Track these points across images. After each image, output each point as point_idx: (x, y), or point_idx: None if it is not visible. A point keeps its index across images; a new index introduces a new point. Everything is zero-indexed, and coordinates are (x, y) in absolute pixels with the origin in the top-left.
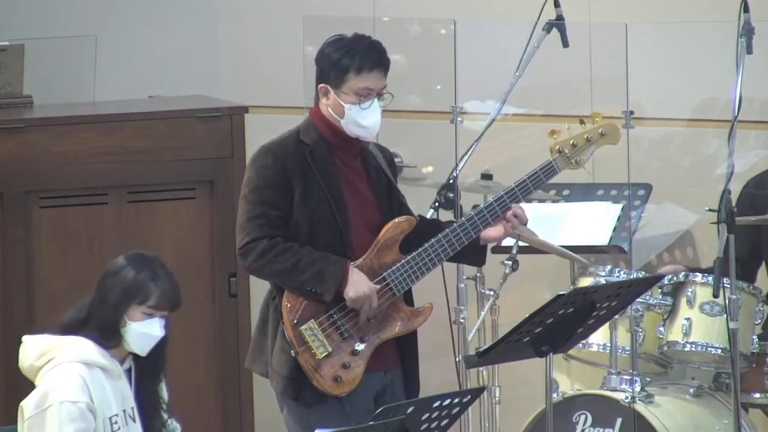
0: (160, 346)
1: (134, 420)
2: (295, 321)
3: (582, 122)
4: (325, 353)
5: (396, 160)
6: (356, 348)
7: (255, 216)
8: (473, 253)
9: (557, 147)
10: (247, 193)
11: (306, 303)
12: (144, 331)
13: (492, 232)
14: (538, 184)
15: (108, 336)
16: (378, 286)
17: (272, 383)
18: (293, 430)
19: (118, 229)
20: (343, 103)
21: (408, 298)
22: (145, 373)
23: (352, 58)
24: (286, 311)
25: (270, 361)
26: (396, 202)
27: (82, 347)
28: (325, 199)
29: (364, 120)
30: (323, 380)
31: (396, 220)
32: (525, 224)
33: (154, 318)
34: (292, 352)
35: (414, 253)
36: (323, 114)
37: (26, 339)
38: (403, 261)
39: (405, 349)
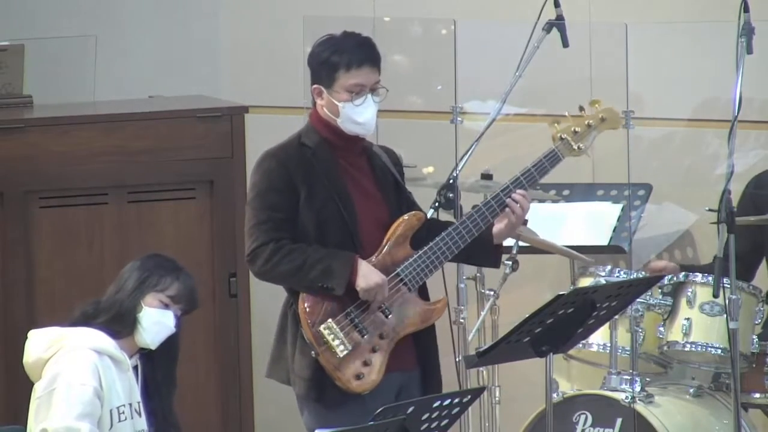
0: (171, 353)
1: (140, 415)
2: (313, 322)
3: (581, 109)
4: (346, 351)
5: (400, 159)
6: (376, 345)
7: (260, 221)
8: (486, 253)
9: (559, 134)
10: (251, 198)
11: (323, 304)
12: (159, 319)
13: (499, 225)
14: (542, 172)
15: (121, 323)
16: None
17: (295, 388)
18: None
19: (118, 229)
20: (336, 102)
21: (423, 293)
22: (157, 378)
23: (340, 56)
24: (304, 313)
25: (291, 367)
26: (405, 200)
27: (93, 336)
28: (331, 198)
29: (359, 117)
30: (345, 378)
31: (405, 216)
32: (526, 210)
33: (170, 310)
34: (313, 352)
35: (426, 248)
36: (320, 115)
37: (33, 333)
38: (415, 256)
39: (422, 348)
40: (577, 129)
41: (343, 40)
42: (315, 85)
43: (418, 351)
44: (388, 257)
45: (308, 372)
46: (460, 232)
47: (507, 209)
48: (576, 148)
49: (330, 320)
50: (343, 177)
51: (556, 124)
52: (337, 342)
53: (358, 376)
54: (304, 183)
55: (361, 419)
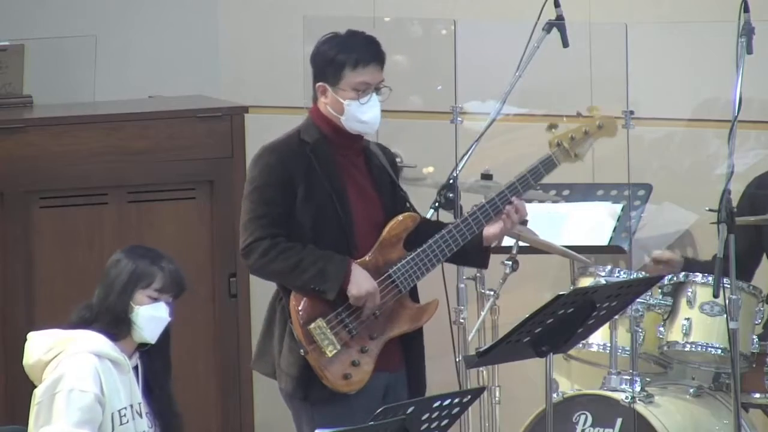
0: (165, 339)
1: (141, 416)
2: (303, 320)
3: (579, 115)
4: (335, 351)
5: (396, 159)
6: (365, 345)
7: (257, 216)
8: (476, 254)
9: (556, 140)
10: (249, 192)
11: (314, 302)
12: (152, 314)
13: (492, 229)
14: (538, 177)
15: (117, 326)
16: (379, 286)
17: (281, 384)
18: (301, 430)
19: (118, 229)
20: (341, 100)
21: (414, 294)
22: (155, 368)
23: (348, 54)
24: (294, 310)
25: (278, 362)
26: (399, 201)
27: (93, 339)
28: (329, 197)
29: (363, 115)
30: (333, 378)
31: (399, 217)
32: (524, 219)
33: (160, 302)
34: (301, 351)
35: (419, 250)
36: (323, 113)
37: (32, 335)
38: (408, 258)
39: (410, 349)
40: (574, 136)
41: (349, 38)
42: (320, 83)
43: (405, 351)
44: (380, 257)
45: (295, 370)
46: (453, 235)
47: (502, 215)
48: (572, 155)
49: (320, 319)
50: (342, 176)
51: (553, 130)
52: (326, 342)
53: (346, 376)
54: (303, 180)
55: (347, 418)
